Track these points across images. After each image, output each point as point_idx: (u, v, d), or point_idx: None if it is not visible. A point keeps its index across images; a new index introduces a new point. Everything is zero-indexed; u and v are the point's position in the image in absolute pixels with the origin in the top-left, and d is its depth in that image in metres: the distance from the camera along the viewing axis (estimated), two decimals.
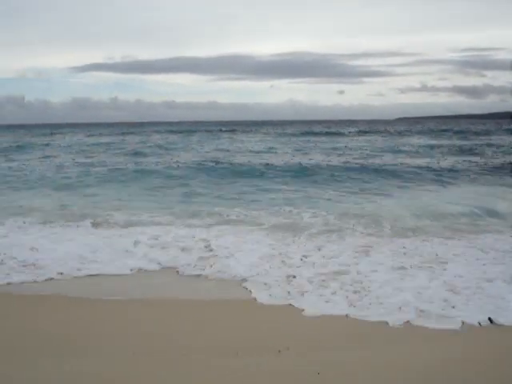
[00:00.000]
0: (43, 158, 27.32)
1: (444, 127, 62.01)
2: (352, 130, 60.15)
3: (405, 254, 7.61)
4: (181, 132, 59.86)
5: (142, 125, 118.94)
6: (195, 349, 4.51)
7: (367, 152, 28.38)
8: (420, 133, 51.17)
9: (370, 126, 73.93)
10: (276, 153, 28.88)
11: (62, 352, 4.46)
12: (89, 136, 54.13)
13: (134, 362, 4.25)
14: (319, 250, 7.90)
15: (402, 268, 6.85)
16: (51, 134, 59.71)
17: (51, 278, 6.79)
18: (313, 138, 43.24)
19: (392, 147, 31.76)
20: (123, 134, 57.29)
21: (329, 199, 13.15)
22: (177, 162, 22.95)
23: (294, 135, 49.14)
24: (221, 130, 64.31)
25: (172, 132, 60.14)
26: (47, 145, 38.71)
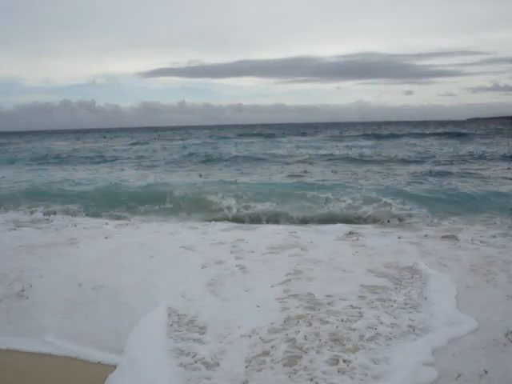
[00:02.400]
0: None
1: None
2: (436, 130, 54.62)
3: None
4: (259, 135, 56.75)
5: (210, 128, 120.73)
6: None
7: None
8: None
9: (446, 128, 70.32)
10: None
11: None
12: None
13: None
14: None
15: None
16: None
17: None
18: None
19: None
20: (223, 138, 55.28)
21: None
22: None
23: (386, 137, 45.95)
24: (304, 133, 59.04)
25: (254, 136, 56.49)
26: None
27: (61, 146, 47.95)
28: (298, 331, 4.68)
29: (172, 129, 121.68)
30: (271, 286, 5.95)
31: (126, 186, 15.51)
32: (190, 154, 30.10)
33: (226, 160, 25.96)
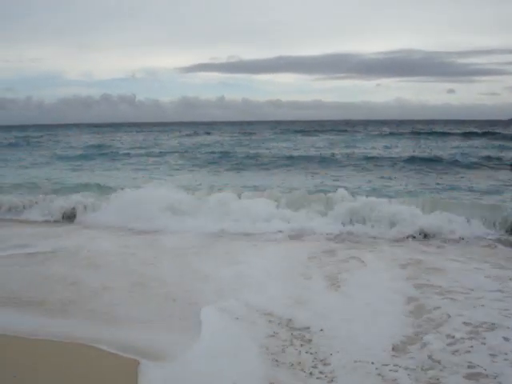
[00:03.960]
0: None
1: None
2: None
3: None
4: (301, 132, 56.10)
5: (250, 124, 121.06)
6: None
7: None
8: None
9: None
10: None
11: None
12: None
13: None
14: None
15: None
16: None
17: None
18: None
19: None
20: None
21: None
22: None
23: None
24: (346, 131, 57.93)
25: (295, 132, 56.51)
26: None
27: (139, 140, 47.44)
28: None
29: (212, 124, 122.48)
30: None
31: None
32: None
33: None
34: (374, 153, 28.49)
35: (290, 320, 5.90)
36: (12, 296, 6.85)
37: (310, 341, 5.36)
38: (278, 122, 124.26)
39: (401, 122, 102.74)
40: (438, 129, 56.93)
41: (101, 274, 7.94)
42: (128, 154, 31.61)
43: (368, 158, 25.31)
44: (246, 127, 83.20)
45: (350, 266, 8.45)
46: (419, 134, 47.59)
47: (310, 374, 4.68)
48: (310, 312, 6.16)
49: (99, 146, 38.19)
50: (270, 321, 5.91)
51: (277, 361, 4.94)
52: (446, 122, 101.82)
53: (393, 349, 5.12)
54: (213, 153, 30.53)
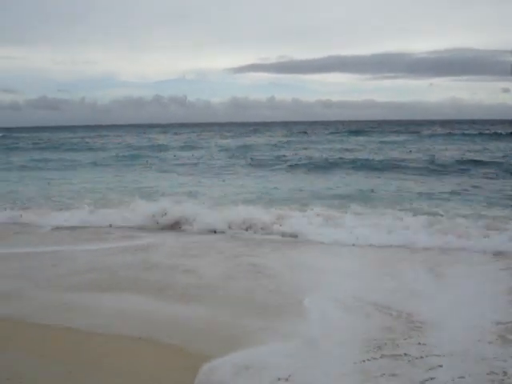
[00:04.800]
0: None
1: None
2: None
3: None
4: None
5: (297, 124, 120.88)
6: None
7: None
8: None
9: None
10: None
11: None
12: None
13: None
14: None
15: None
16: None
17: None
18: None
19: None
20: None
21: None
22: None
23: None
24: (418, 132, 53.53)
25: (351, 133, 53.73)
26: None
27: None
28: None
29: (264, 124, 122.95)
30: None
31: None
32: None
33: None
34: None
35: (406, 313, 5.81)
36: None
37: (423, 333, 5.24)
38: (328, 123, 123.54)
39: (473, 122, 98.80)
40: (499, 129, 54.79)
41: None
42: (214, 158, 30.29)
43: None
44: (303, 127, 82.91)
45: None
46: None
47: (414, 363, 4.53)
48: (426, 306, 6.04)
49: (185, 147, 37.99)
50: (383, 313, 5.84)
51: (382, 351, 4.82)
52: (503, 122, 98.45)
53: None
54: (309, 159, 27.05)
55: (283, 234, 10.21)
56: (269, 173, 21.99)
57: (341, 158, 26.14)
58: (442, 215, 11.18)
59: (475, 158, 24.71)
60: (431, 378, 4.33)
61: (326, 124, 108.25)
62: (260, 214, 11.05)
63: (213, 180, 19.82)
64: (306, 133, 60.75)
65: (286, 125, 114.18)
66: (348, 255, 8.82)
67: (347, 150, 32.94)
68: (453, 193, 14.94)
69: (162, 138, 53.85)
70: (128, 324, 5.63)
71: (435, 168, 21.80)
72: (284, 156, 29.34)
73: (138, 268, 7.98)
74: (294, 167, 23.91)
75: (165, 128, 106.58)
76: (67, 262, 8.45)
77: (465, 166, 22.13)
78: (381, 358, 4.71)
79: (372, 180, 18.65)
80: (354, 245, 9.39)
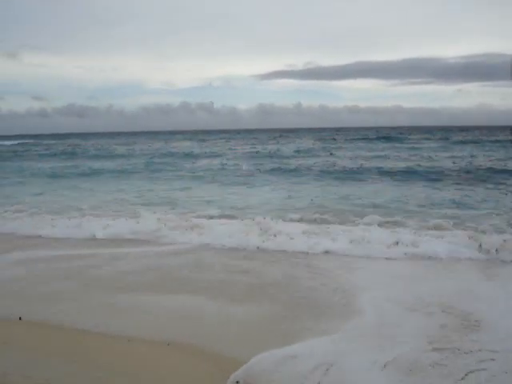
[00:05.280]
0: None
1: None
2: None
3: None
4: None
5: (323, 130, 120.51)
6: None
7: None
8: None
9: None
10: None
11: None
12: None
13: None
14: None
15: None
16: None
17: None
18: None
19: None
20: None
21: None
22: None
23: None
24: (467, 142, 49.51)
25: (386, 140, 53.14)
26: None
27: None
28: None
29: (290, 131, 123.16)
30: None
31: None
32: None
33: None
34: None
35: (461, 311, 6.10)
36: None
37: (478, 330, 5.52)
38: (355, 129, 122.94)
39: (503, 128, 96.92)
40: None
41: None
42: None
43: None
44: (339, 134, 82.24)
45: None
46: None
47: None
48: (483, 306, 6.30)
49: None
50: (439, 311, 6.14)
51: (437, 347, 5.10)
52: None
53: None
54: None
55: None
56: (297, 179, 22.26)
57: (378, 168, 25.66)
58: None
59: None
60: (482, 369, 4.59)
61: (353, 130, 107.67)
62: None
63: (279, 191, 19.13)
64: (334, 139, 60.73)
65: (313, 131, 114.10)
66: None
67: (380, 156, 32.70)
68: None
69: (195, 146, 53.99)
70: (176, 327, 5.91)
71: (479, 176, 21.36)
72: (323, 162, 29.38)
73: (191, 269, 8.41)
74: (333, 174, 23.74)
75: (192, 134, 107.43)
76: (122, 262, 8.93)
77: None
78: (432, 350, 4.99)
79: (418, 189, 18.43)
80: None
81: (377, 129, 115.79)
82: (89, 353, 5.24)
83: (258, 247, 9.82)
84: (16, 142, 78.85)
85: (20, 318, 6.18)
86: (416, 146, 43.47)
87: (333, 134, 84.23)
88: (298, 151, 40.07)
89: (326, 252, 9.41)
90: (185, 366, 4.95)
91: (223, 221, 12.21)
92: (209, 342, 5.43)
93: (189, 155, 39.35)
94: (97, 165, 32.06)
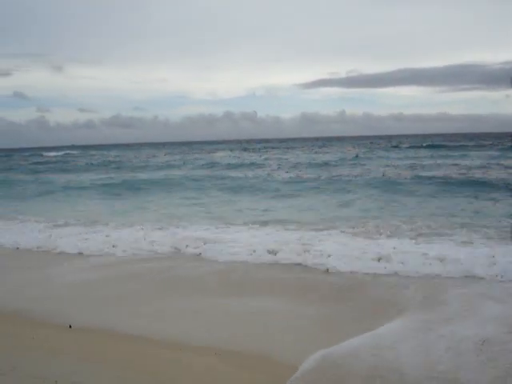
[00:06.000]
0: None
1: None
2: None
3: None
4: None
5: (369, 138, 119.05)
6: None
7: None
8: None
9: None
10: None
11: None
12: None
13: None
14: None
15: None
16: None
17: None
18: None
19: None
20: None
21: None
22: None
23: None
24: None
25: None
26: None
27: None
28: None
29: (335, 139, 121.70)
30: None
31: None
32: None
33: None
34: None
35: None
36: None
37: None
38: (401, 136, 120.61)
39: None
40: None
41: None
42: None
43: None
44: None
45: None
46: None
47: None
48: None
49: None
50: None
51: None
52: None
53: None
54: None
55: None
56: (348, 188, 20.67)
57: (433, 177, 22.49)
58: None
59: None
60: None
61: (398, 138, 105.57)
62: None
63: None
64: (394, 146, 58.73)
65: (358, 139, 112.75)
66: None
67: (434, 165, 30.02)
68: None
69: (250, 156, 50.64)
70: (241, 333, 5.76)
71: None
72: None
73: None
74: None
75: (236, 144, 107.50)
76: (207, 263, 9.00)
77: None
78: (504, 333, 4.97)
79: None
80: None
81: (424, 136, 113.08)
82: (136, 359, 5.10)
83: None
84: (62, 153, 78.67)
85: (70, 326, 6.11)
86: (469, 153, 40.81)
87: (379, 141, 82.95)
88: (355, 157, 39.44)
89: None
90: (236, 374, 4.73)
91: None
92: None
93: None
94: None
